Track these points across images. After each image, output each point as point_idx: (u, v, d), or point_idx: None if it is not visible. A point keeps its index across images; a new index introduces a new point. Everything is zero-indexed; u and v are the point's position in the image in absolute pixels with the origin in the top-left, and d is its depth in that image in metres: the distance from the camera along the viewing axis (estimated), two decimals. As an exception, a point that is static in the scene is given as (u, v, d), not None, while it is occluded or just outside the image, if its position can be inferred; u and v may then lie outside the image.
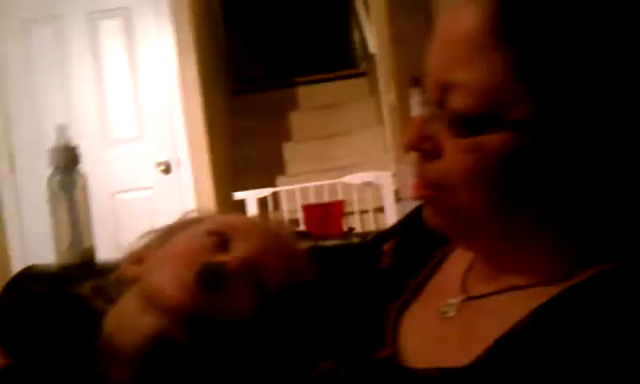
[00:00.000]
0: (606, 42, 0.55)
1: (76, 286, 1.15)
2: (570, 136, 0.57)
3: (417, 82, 0.65)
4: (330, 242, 1.16)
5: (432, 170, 0.63)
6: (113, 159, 3.42)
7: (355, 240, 1.14)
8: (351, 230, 2.78)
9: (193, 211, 0.94)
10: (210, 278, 0.74)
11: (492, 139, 0.58)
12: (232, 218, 0.87)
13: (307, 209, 2.09)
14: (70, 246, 1.29)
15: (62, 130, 1.31)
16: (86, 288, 0.87)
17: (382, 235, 0.88)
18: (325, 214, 1.90)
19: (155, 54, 3.42)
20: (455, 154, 0.60)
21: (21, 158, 3.43)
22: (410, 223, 0.85)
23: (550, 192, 0.60)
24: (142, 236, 0.89)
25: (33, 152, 3.36)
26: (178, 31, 3.39)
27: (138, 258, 0.85)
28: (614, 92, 0.56)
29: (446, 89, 0.60)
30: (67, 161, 1.28)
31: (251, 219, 0.90)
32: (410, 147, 0.64)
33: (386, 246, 0.85)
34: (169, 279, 0.74)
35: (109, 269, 1.32)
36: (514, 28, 0.56)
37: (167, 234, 0.86)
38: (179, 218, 0.92)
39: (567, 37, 0.55)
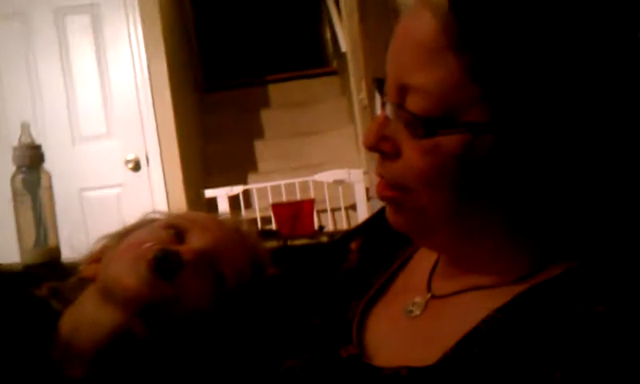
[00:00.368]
0: (557, 43, 0.56)
1: (38, 286, 1.13)
2: (527, 136, 0.57)
3: (378, 82, 0.66)
4: (299, 242, 1.16)
5: (391, 170, 0.63)
6: (81, 156, 3.37)
7: (324, 239, 1.14)
8: (322, 228, 2.78)
9: (153, 212, 0.93)
10: (164, 266, 0.73)
11: (448, 140, 0.58)
12: (190, 214, 0.87)
13: (277, 208, 2.08)
14: (35, 245, 1.27)
15: (25, 127, 1.29)
16: (43, 290, 0.86)
17: (350, 234, 0.89)
18: (295, 212, 1.90)
19: (124, 50, 3.38)
20: (413, 155, 0.61)
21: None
22: (376, 222, 0.85)
23: (510, 192, 0.60)
24: (101, 238, 0.88)
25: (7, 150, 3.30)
26: (148, 27, 3.36)
27: (96, 257, 0.85)
28: (568, 92, 0.56)
29: (403, 91, 0.61)
30: (31, 159, 1.26)
31: (209, 215, 0.89)
32: (370, 147, 0.65)
33: (354, 245, 0.85)
34: (124, 270, 0.74)
35: (74, 268, 1.30)
36: (467, 32, 0.56)
37: (125, 233, 0.86)
38: (138, 219, 0.91)
39: (519, 40, 0.55)
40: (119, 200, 3.33)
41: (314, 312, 0.75)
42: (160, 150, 3.35)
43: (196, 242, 0.79)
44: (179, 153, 3.37)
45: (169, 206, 3.32)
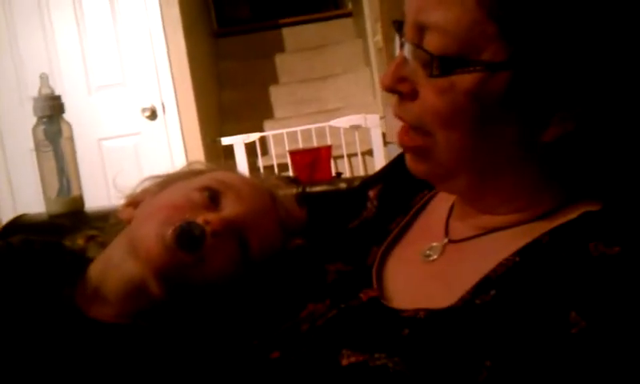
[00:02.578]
0: None
1: (68, 235, 1.15)
2: (545, 72, 0.57)
3: (397, 24, 0.66)
4: (318, 188, 1.17)
5: (409, 111, 0.64)
6: (97, 106, 3.38)
7: (343, 186, 1.15)
8: (339, 175, 2.79)
9: (197, 162, 0.93)
10: (187, 239, 0.74)
11: (464, 79, 0.59)
12: (230, 176, 0.86)
13: (294, 154, 2.08)
14: (58, 195, 1.30)
15: (44, 79, 1.30)
16: (79, 239, 0.88)
17: (368, 181, 0.89)
18: (312, 159, 1.90)
19: (138, -2, 3.35)
20: (429, 94, 0.61)
21: (4, 108, 3.39)
22: (394, 168, 0.86)
23: (527, 130, 0.61)
24: (145, 179, 0.89)
25: (16, 101, 3.32)
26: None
27: (135, 201, 0.86)
28: (584, 24, 0.56)
29: (421, 30, 0.61)
30: (52, 110, 1.28)
31: (247, 179, 0.89)
32: (387, 88, 0.65)
33: (372, 192, 0.86)
34: (151, 232, 0.75)
35: (98, 217, 1.33)
36: None
37: (166, 182, 0.87)
38: (182, 168, 0.92)
39: None
40: (136, 149, 3.35)
41: (334, 258, 0.77)
42: (176, 97, 3.34)
43: (228, 210, 0.79)
44: (195, 100, 3.37)
45: (186, 155, 3.33)
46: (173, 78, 3.34)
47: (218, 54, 4.52)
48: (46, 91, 1.28)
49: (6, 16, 3.38)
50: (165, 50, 3.33)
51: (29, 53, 3.35)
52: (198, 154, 3.36)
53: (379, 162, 3.18)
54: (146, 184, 0.89)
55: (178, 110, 3.35)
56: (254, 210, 0.81)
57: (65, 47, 3.37)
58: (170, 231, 0.74)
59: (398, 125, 0.68)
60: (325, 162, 1.91)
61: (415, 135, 0.65)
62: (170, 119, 3.37)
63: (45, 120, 1.28)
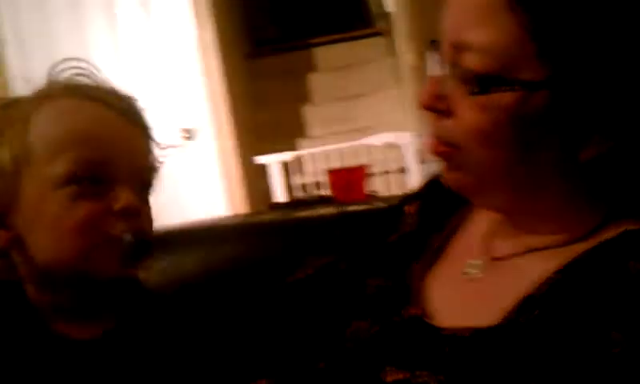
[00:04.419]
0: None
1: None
2: (584, 92, 0.58)
3: (433, 43, 0.67)
4: (356, 208, 1.19)
5: (446, 129, 0.65)
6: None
7: (381, 205, 1.16)
8: (374, 193, 2.80)
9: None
10: (135, 252, 0.73)
11: (504, 97, 0.60)
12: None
13: (332, 173, 2.10)
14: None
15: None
16: None
17: (407, 198, 0.90)
18: (350, 178, 1.92)
19: (173, 19, 3.42)
20: (468, 112, 0.62)
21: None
22: (432, 185, 0.87)
23: (566, 149, 0.61)
24: None
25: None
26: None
27: None
28: (624, 43, 0.57)
29: (459, 49, 0.62)
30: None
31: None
32: (424, 106, 0.66)
33: (410, 208, 0.87)
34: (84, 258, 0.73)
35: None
36: None
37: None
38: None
39: None
40: (173, 170, 3.41)
41: (375, 273, 0.78)
42: (211, 118, 3.39)
43: (123, 194, 0.73)
44: (230, 120, 3.41)
45: (222, 174, 3.37)
46: (208, 99, 3.39)
47: (251, 74, 4.58)
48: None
49: (46, 41, 3.48)
50: (200, 71, 3.39)
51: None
52: (234, 173, 3.39)
53: (412, 179, 3.18)
54: None
55: (214, 131, 3.39)
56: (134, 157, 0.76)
57: (101, 65, 3.44)
58: (115, 251, 0.71)
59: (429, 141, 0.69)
60: (362, 181, 1.93)
61: (446, 148, 0.66)
62: (205, 140, 3.41)
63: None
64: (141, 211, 0.74)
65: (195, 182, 3.37)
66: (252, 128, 4.10)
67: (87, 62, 0.82)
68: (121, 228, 0.71)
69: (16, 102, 0.77)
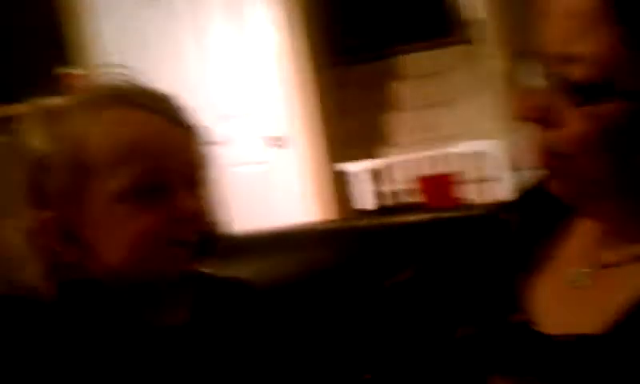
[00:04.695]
0: None
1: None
2: None
3: (529, 54, 0.68)
4: (451, 214, 1.19)
5: (551, 139, 0.65)
6: (227, 134, 3.54)
7: (475, 212, 1.16)
8: (466, 201, 2.77)
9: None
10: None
11: (610, 107, 0.60)
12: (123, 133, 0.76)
13: (423, 180, 2.10)
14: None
15: (192, 110, 1.40)
16: None
17: (507, 205, 0.90)
18: (440, 185, 1.91)
19: (263, 29, 3.51)
20: (574, 122, 0.63)
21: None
22: (531, 193, 0.87)
23: None
24: None
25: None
26: (285, 5, 3.46)
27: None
28: None
29: (564, 60, 0.63)
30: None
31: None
32: (528, 117, 0.67)
33: (509, 216, 0.87)
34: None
35: (238, 238, 1.41)
36: (625, 3, 0.58)
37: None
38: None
39: None
40: (264, 176, 3.48)
41: (477, 282, 0.78)
42: (301, 126, 3.45)
43: (182, 194, 0.74)
44: (320, 129, 3.46)
45: (312, 182, 3.42)
46: (297, 107, 3.45)
47: (338, 83, 4.62)
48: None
49: (140, 44, 3.63)
50: (288, 80, 3.46)
51: (158, 80, 3.57)
52: (321, 180, 3.44)
53: (500, 188, 3.13)
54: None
55: (304, 139, 3.45)
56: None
57: (193, 77, 3.57)
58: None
59: (528, 150, 0.69)
60: (452, 188, 1.92)
61: (552, 159, 0.67)
62: (295, 148, 3.48)
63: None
64: (200, 211, 0.76)
65: (283, 189, 3.44)
66: (338, 136, 4.15)
67: (129, 68, 0.82)
68: (184, 232, 0.73)
69: (66, 114, 0.77)
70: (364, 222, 1.24)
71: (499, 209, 0.91)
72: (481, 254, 0.84)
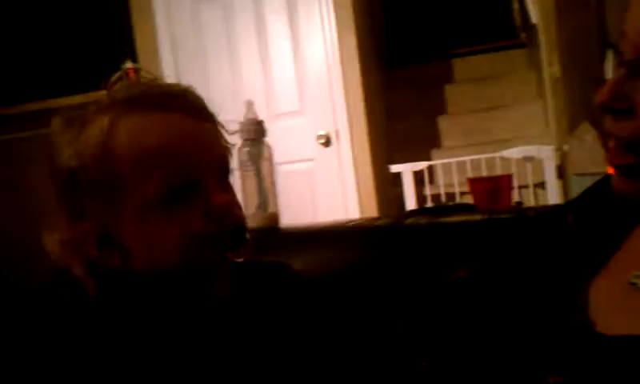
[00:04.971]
0: None
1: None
2: None
3: (609, 47, 0.67)
4: (504, 215, 1.18)
5: (625, 128, 0.66)
6: (276, 132, 3.57)
7: (530, 213, 1.15)
8: (519, 203, 2.74)
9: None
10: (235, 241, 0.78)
11: None
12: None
13: (474, 182, 2.08)
14: (257, 211, 1.42)
15: (250, 105, 1.44)
16: None
17: (566, 207, 0.90)
18: (493, 187, 1.89)
19: (317, 30, 3.53)
20: None
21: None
22: (594, 195, 0.86)
23: None
24: None
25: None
26: (339, 6, 3.48)
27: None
28: None
29: None
30: (255, 134, 1.41)
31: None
32: (603, 106, 0.67)
33: (570, 218, 0.86)
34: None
35: (290, 234, 1.43)
36: None
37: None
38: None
39: None
40: (310, 174, 3.51)
41: (537, 283, 0.78)
42: (349, 126, 3.47)
43: (214, 191, 0.77)
44: (367, 129, 3.47)
45: (357, 180, 3.43)
46: (347, 107, 3.47)
47: (388, 84, 4.63)
48: (250, 116, 1.42)
49: (198, 45, 3.70)
50: (341, 81, 3.47)
51: (217, 79, 3.64)
52: (368, 181, 3.45)
53: (552, 194, 3.09)
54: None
55: (351, 138, 3.47)
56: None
57: (248, 75, 3.62)
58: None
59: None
60: (505, 191, 1.91)
61: (627, 153, 0.66)
62: (342, 147, 3.50)
63: (249, 142, 1.41)
64: (232, 203, 0.78)
65: (330, 187, 3.46)
66: (387, 137, 4.15)
67: (142, 69, 0.84)
68: (216, 226, 0.75)
69: (89, 124, 0.77)
70: (414, 221, 1.25)
71: (558, 210, 0.91)
72: (539, 255, 0.84)
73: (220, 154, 0.80)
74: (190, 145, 0.76)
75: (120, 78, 0.83)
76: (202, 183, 0.75)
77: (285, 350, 0.81)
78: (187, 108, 0.78)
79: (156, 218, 0.74)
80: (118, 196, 0.75)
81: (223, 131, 0.83)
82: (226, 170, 0.80)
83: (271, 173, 1.42)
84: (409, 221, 1.28)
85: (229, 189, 0.80)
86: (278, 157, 3.58)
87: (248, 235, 0.78)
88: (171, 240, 0.74)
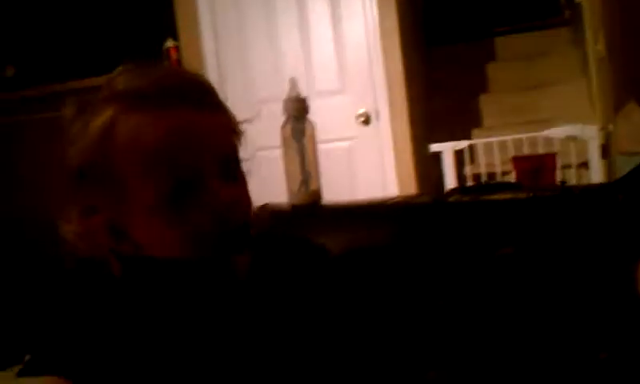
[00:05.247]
0: None
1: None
2: None
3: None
4: (549, 193, 1.17)
5: None
6: (316, 110, 3.56)
7: (577, 192, 1.14)
8: (563, 183, 2.70)
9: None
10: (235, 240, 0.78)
11: None
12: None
13: (518, 161, 2.05)
14: (300, 188, 1.43)
15: (293, 82, 1.44)
16: None
17: (615, 185, 0.89)
18: (537, 166, 1.87)
19: (357, 8, 3.51)
20: None
21: (234, 109, 3.71)
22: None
23: None
24: None
25: (247, 103, 3.63)
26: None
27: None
28: None
29: None
30: (299, 111, 1.42)
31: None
32: None
33: (618, 197, 0.86)
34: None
35: (333, 210, 1.45)
36: None
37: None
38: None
39: None
40: (350, 153, 3.51)
41: (585, 262, 0.78)
42: (389, 105, 3.45)
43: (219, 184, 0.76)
44: (407, 108, 3.45)
45: (396, 159, 3.42)
46: (388, 86, 3.45)
47: (429, 62, 4.59)
48: (294, 93, 1.43)
49: (239, 24, 3.71)
50: (381, 59, 3.45)
51: (256, 58, 3.65)
52: (408, 159, 3.43)
53: (595, 174, 3.04)
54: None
55: (391, 117, 3.46)
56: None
57: (289, 53, 3.62)
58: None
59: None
60: (550, 171, 1.88)
61: None
62: (382, 125, 3.49)
63: (292, 119, 1.42)
64: (240, 197, 0.77)
65: (371, 165, 3.46)
66: (428, 116, 4.12)
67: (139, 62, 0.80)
68: (228, 221, 0.75)
69: (94, 114, 0.77)
70: (458, 199, 1.25)
71: (607, 189, 0.90)
72: (586, 233, 0.84)
73: (224, 147, 0.78)
74: (188, 143, 0.74)
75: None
76: (204, 180, 0.74)
77: (305, 324, 0.81)
78: (189, 102, 0.75)
79: (161, 217, 0.74)
80: (123, 195, 0.75)
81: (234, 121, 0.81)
82: (232, 162, 0.78)
83: (314, 150, 1.43)
84: (451, 198, 1.28)
85: (238, 180, 0.78)
86: (317, 135, 3.61)
87: (252, 231, 0.78)
88: (176, 239, 0.74)
